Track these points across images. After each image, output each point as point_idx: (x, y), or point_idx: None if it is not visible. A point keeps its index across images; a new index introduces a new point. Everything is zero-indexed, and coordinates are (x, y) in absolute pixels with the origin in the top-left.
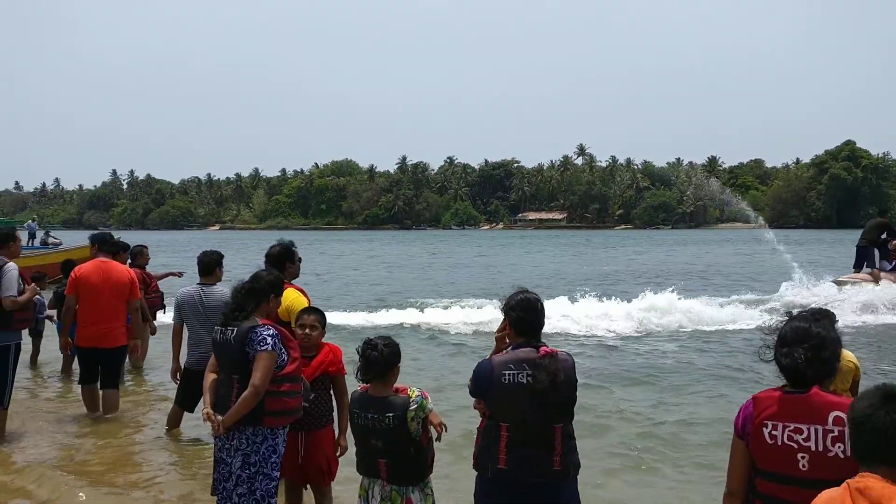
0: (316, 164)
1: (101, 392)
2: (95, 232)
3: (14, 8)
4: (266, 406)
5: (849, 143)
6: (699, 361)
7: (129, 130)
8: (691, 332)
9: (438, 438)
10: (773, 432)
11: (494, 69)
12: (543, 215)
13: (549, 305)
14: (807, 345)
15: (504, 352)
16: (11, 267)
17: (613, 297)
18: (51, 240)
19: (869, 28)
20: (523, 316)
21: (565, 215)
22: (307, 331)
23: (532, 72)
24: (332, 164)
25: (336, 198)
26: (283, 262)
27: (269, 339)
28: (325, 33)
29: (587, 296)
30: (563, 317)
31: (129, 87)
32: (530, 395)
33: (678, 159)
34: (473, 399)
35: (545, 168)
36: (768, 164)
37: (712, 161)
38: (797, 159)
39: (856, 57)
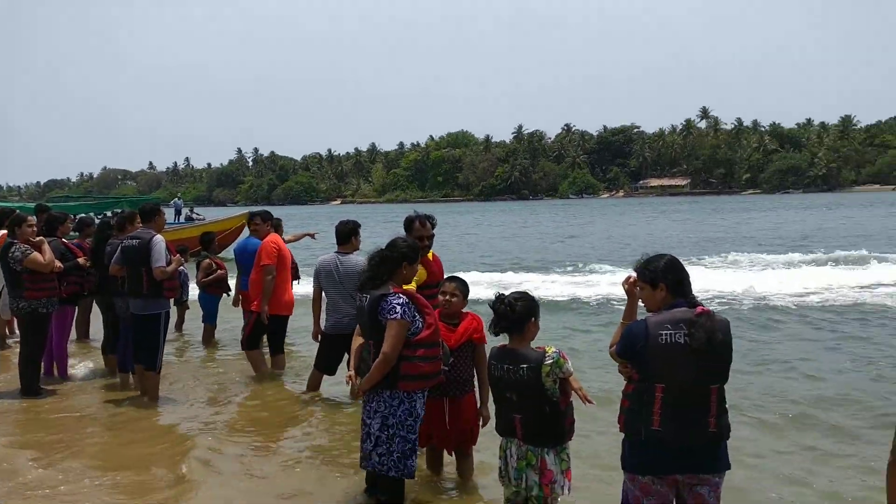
0: (431, 136)
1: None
2: (258, 208)
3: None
4: (401, 370)
5: None
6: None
7: (253, 111)
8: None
9: (585, 402)
10: None
11: (606, 31)
12: (666, 182)
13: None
14: None
15: (658, 312)
16: (159, 239)
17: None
18: (195, 215)
19: None
20: (678, 276)
21: (689, 181)
22: (447, 297)
23: (648, 33)
24: (447, 136)
25: (452, 170)
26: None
27: (398, 308)
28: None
29: None
30: None
31: (247, 73)
32: (688, 356)
33: (808, 120)
34: (617, 363)
35: (667, 133)
36: None
37: (846, 120)
38: None
39: None
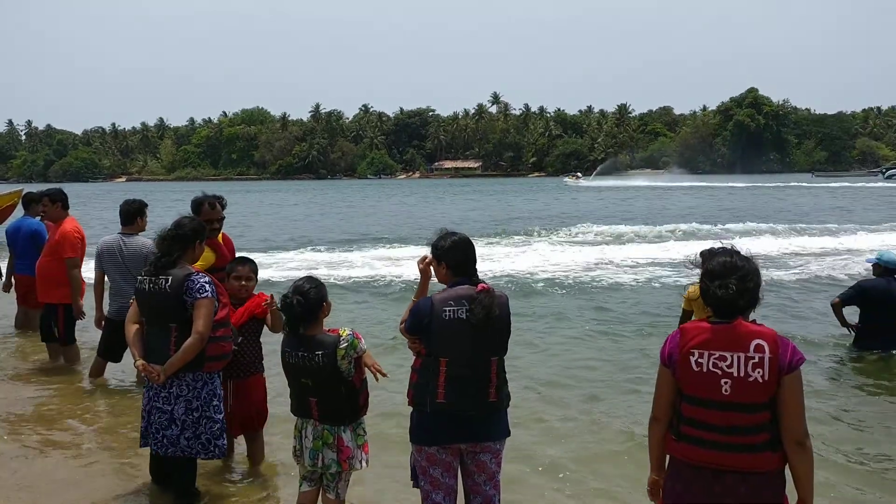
0: (224, 112)
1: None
2: (53, 188)
3: None
4: (207, 352)
5: (752, 91)
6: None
7: (24, 78)
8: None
9: (377, 378)
10: (700, 360)
11: (409, 11)
12: (459, 164)
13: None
14: (736, 277)
15: (443, 290)
16: None
17: None
18: None
19: None
20: (461, 256)
21: (480, 164)
22: (243, 282)
23: (446, 19)
24: (242, 113)
25: (247, 147)
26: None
27: (207, 287)
28: None
29: None
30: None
31: (18, 34)
32: (468, 330)
33: (590, 107)
34: (407, 339)
35: (460, 116)
36: (677, 111)
37: (622, 108)
38: (704, 106)
39: (759, 4)
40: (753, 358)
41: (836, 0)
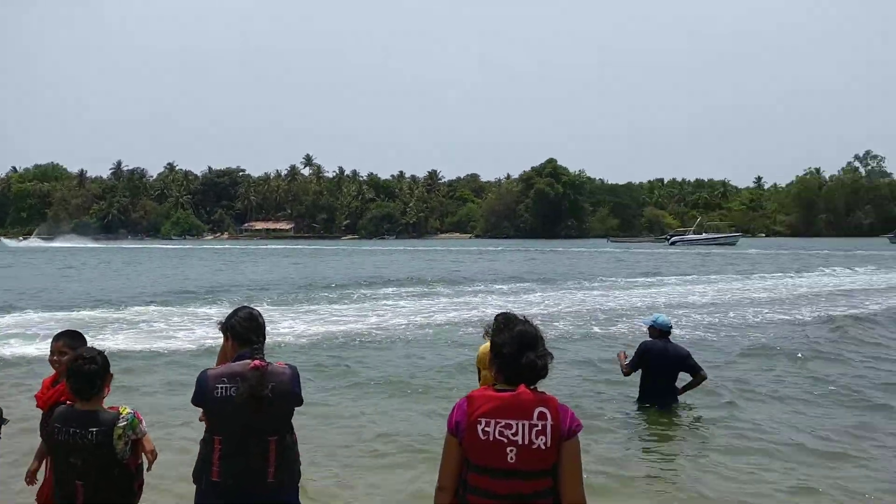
0: (14, 167)
1: None
2: None
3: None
4: None
5: (551, 161)
6: None
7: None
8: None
9: (149, 468)
10: (486, 428)
11: (210, 71)
12: (271, 225)
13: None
14: (541, 347)
15: (221, 365)
16: None
17: None
18: None
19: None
20: (246, 326)
21: (293, 225)
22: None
23: (256, 82)
24: (34, 169)
25: (40, 205)
26: None
27: None
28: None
29: None
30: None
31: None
32: (241, 408)
33: (401, 172)
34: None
35: (272, 177)
36: (483, 179)
37: (433, 174)
38: (508, 174)
39: (553, 82)
40: (537, 425)
41: (623, 89)
